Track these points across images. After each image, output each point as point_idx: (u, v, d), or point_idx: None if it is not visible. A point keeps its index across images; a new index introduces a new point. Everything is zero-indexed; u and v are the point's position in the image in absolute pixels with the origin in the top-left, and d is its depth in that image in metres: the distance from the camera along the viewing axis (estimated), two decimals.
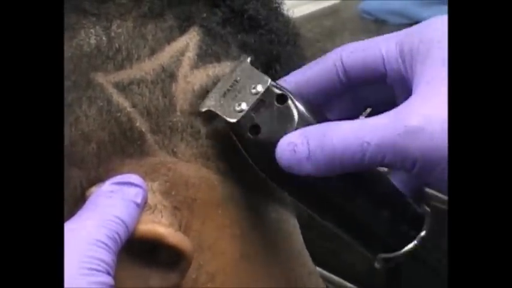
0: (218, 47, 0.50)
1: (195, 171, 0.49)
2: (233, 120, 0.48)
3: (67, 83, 0.48)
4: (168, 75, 0.49)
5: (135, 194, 0.46)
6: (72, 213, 0.47)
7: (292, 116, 0.47)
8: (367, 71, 0.48)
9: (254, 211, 0.51)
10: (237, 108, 0.48)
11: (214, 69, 0.49)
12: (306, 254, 0.56)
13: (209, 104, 0.49)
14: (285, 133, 0.47)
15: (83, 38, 0.48)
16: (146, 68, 0.48)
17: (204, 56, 0.50)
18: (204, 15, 0.50)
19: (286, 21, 0.55)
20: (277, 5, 0.55)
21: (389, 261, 0.49)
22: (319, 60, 0.50)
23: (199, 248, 0.49)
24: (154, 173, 0.48)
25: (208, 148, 0.49)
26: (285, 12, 0.56)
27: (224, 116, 0.48)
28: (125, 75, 0.48)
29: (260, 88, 0.48)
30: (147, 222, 0.47)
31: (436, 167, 0.43)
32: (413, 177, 0.49)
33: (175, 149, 0.48)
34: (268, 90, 0.48)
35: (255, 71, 0.49)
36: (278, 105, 0.48)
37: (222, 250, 0.50)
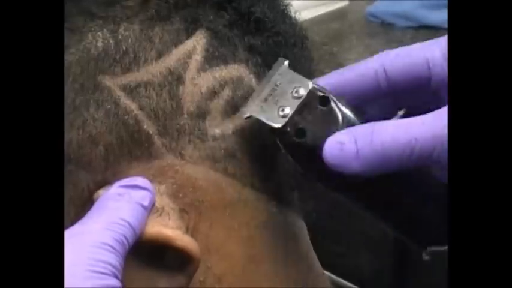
0: (225, 49, 0.50)
1: (203, 173, 0.49)
2: (278, 126, 0.48)
3: (75, 86, 0.48)
4: (176, 77, 0.49)
5: (142, 197, 0.46)
6: (79, 216, 0.47)
7: (336, 117, 0.47)
8: (410, 76, 0.48)
9: (261, 213, 0.51)
10: (281, 113, 0.48)
11: (221, 72, 0.50)
12: (313, 256, 0.56)
13: (251, 109, 0.48)
14: (330, 134, 0.47)
15: (90, 41, 0.48)
16: (153, 70, 0.48)
17: (211, 59, 0.50)
18: (211, 17, 0.50)
19: (293, 23, 0.55)
20: (284, 7, 0.55)
21: (437, 254, 0.49)
22: (359, 64, 0.50)
23: (207, 250, 0.49)
24: (161, 175, 0.48)
25: (215, 150, 0.49)
26: (292, 14, 0.56)
27: (268, 122, 0.48)
28: (132, 78, 0.48)
29: (302, 91, 0.48)
30: (155, 225, 0.47)
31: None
32: None
33: (182, 152, 0.49)
34: (310, 93, 0.48)
35: (295, 74, 0.49)
36: (321, 107, 0.48)
37: (229, 252, 0.50)
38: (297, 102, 0.48)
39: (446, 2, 1.57)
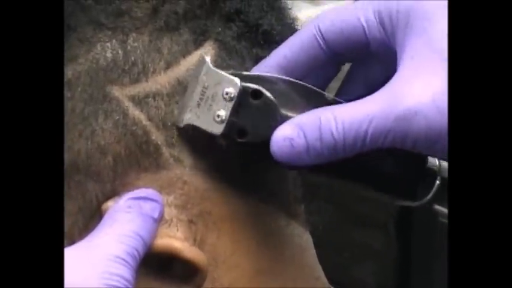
0: (233, 61, 0.50)
1: (211, 185, 0.49)
2: (218, 132, 0.47)
3: (84, 96, 0.48)
4: (184, 88, 0.49)
5: (152, 209, 0.46)
6: (88, 226, 0.47)
7: (274, 107, 0.47)
8: (348, 42, 0.48)
9: (268, 225, 0.51)
10: (217, 119, 0.47)
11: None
12: (319, 269, 0.56)
13: (187, 117, 0.48)
14: (272, 127, 0.46)
15: (99, 51, 0.48)
16: (162, 81, 0.48)
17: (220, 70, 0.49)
18: (219, 29, 0.50)
19: None
20: (291, 21, 0.55)
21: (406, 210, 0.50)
22: (297, 36, 0.49)
23: (214, 261, 0.49)
24: (170, 186, 0.48)
25: (223, 162, 0.49)
26: (299, 27, 0.56)
27: (208, 129, 0.48)
28: (140, 88, 0.48)
29: (232, 91, 0.47)
30: (163, 236, 0.47)
31: (435, 144, 0.43)
32: None
33: (190, 163, 0.48)
34: (240, 91, 0.47)
35: (220, 73, 0.48)
36: (255, 101, 0.47)
37: (236, 264, 0.50)
38: (230, 103, 0.47)
39: None
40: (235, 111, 0.47)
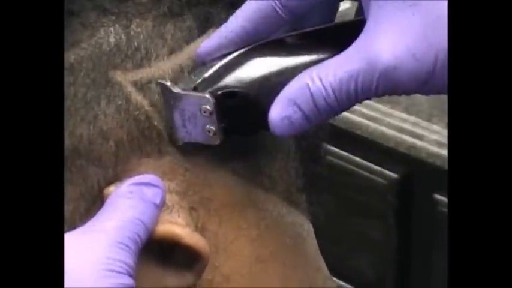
0: None
1: (212, 171, 0.49)
2: (217, 142, 0.47)
3: (86, 81, 0.48)
4: (187, 74, 0.48)
5: (154, 195, 0.46)
6: (89, 211, 0.47)
7: (255, 97, 0.47)
8: (310, 2, 0.47)
9: (270, 214, 0.51)
10: (209, 134, 0.47)
11: None
12: (320, 259, 0.56)
13: (181, 137, 0.48)
14: (263, 113, 0.46)
15: (102, 36, 0.48)
16: (165, 67, 0.48)
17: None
18: (223, 16, 0.50)
19: None
20: None
21: None
22: (249, 8, 0.48)
23: (215, 249, 0.49)
24: (171, 173, 0.48)
25: (224, 149, 0.49)
26: None
27: (205, 142, 0.48)
28: (143, 74, 0.48)
29: (208, 106, 0.47)
30: (164, 222, 0.47)
31: (424, 85, 0.43)
32: None
33: (192, 149, 0.48)
34: (216, 103, 0.47)
35: (187, 94, 0.47)
36: (233, 101, 0.47)
37: (237, 252, 0.50)
38: (213, 116, 0.47)
39: None
40: (220, 119, 0.47)
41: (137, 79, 0.48)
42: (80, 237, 0.43)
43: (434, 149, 1.37)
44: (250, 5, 0.48)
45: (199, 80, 0.47)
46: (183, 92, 0.47)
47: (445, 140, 1.35)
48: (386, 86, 0.43)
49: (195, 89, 0.47)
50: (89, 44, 0.48)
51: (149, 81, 0.48)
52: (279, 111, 0.45)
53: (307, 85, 0.45)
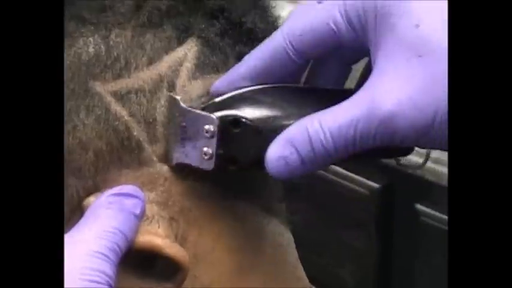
0: (216, 58, 0.50)
1: (191, 182, 0.49)
2: (209, 168, 0.47)
3: (65, 91, 0.47)
4: (166, 85, 0.48)
5: (133, 205, 0.46)
6: (68, 222, 0.47)
7: (256, 129, 0.47)
8: (320, 47, 0.47)
9: (250, 223, 0.51)
10: (205, 157, 0.47)
11: (212, 80, 0.49)
12: (300, 268, 0.56)
13: (176, 156, 0.48)
14: (260, 149, 0.46)
15: (82, 46, 0.48)
16: (144, 77, 0.48)
17: (203, 67, 0.49)
18: (203, 26, 0.50)
19: None
20: (274, 19, 0.55)
21: None
22: (267, 45, 0.48)
23: (195, 259, 0.49)
24: (151, 183, 0.48)
25: None
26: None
27: (198, 166, 0.47)
28: (123, 84, 0.48)
29: (211, 127, 0.47)
30: (144, 233, 0.47)
31: (421, 138, 0.43)
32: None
33: (172, 159, 0.48)
34: (220, 126, 0.47)
35: (194, 111, 0.47)
36: (236, 130, 0.47)
37: (217, 261, 0.50)
38: (213, 139, 0.47)
39: None
40: (220, 145, 0.47)
41: (117, 89, 0.48)
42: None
43: (416, 159, 1.38)
44: (265, 46, 0.48)
45: (209, 103, 0.48)
46: (190, 109, 0.47)
47: (424, 151, 1.35)
48: (385, 133, 0.43)
49: (203, 109, 0.47)
50: (68, 54, 0.48)
51: (129, 92, 0.48)
52: (276, 150, 0.45)
53: (307, 128, 0.45)
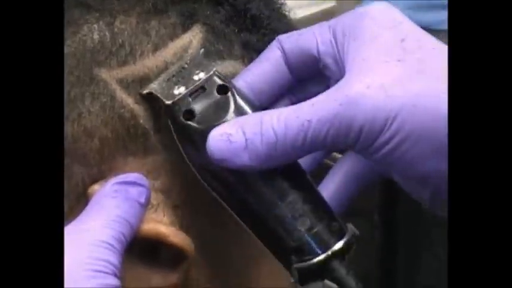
0: (221, 45, 0.50)
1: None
2: (168, 102, 0.47)
3: (70, 78, 0.47)
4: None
5: (139, 194, 0.46)
6: (73, 210, 0.47)
7: (228, 107, 0.46)
8: (304, 57, 0.47)
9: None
10: (176, 92, 0.47)
11: (217, 67, 0.49)
12: None
13: (152, 86, 0.48)
14: (218, 124, 0.45)
15: (86, 33, 0.48)
16: (149, 64, 0.48)
17: (208, 54, 0.49)
18: (208, 13, 0.50)
19: (289, 22, 0.55)
20: (279, 5, 0.55)
21: (303, 271, 0.45)
22: (262, 58, 0.49)
23: (201, 247, 0.48)
24: (156, 171, 0.48)
25: None
26: (287, 12, 0.56)
27: (162, 98, 0.47)
28: (128, 71, 0.48)
29: (202, 75, 0.47)
30: (149, 221, 0.46)
31: (381, 131, 0.42)
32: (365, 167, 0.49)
33: (177, 148, 0.48)
34: (210, 78, 0.47)
35: (205, 60, 0.48)
36: (218, 95, 0.47)
37: (223, 250, 0.50)
38: (195, 85, 0.47)
39: (439, 2, 1.56)
40: (195, 94, 0.47)
41: (122, 76, 0.48)
42: (64, 237, 0.43)
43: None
44: (260, 59, 0.49)
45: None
46: (201, 55, 0.48)
47: None
48: (342, 120, 0.42)
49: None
50: (72, 41, 0.48)
51: (134, 79, 0.48)
52: (222, 127, 0.44)
53: (261, 114, 0.44)
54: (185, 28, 0.49)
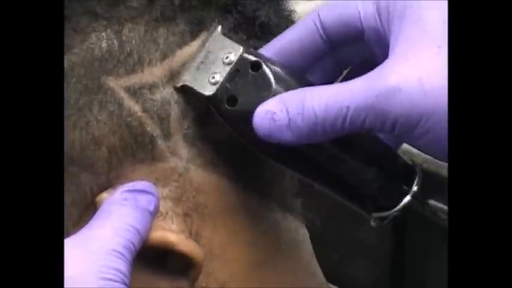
0: None
1: (206, 177, 0.48)
2: (209, 94, 0.47)
3: (78, 87, 0.47)
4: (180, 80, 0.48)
5: (148, 202, 0.46)
6: (82, 218, 0.47)
7: (269, 82, 0.46)
8: (345, 28, 0.47)
9: (265, 219, 0.51)
10: (212, 81, 0.47)
11: None
12: (315, 264, 0.56)
13: (184, 79, 0.48)
14: (263, 101, 0.46)
15: (94, 41, 0.48)
16: (158, 72, 0.48)
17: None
18: (216, 20, 0.50)
19: None
20: (288, 13, 0.55)
21: (385, 219, 0.48)
22: (298, 22, 0.49)
23: (210, 255, 0.48)
24: (165, 179, 0.48)
25: (218, 154, 0.49)
26: (296, 20, 0.55)
27: (200, 90, 0.47)
28: (136, 79, 0.48)
29: (233, 57, 0.47)
30: (158, 229, 0.46)
31: (416, 126, 0.43)
32: (396, 138, 0.49)
33: (186, 155, 0.48)
34: (241, 58, 0.47)
35: (227, 40, 0.48)
36: (253, 72, 0.47)
37: (232, 257, 0.49)
38: (228, 68, 0.47)
39: None
40: (230, 77, 0.47)
41: (130, 85, 0.48)
42: (73, 245, 0.43)
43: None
44: (295, 25, 0.49)
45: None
46: (223, 36, 0.48)
47: None
48: (377, 111, 0.43)
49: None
50: (80, 49, 0.48)
51: (142, 87, 0.48)
52: (266, 105, 0.45)
53: (305, 93, 0.45)
54: (193, 36, 0.49)
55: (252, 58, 0.47)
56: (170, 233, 0.47)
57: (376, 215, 0.48)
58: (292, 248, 0.53)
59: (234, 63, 0.47)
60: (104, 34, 0.48)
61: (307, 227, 0.55)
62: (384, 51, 0.46)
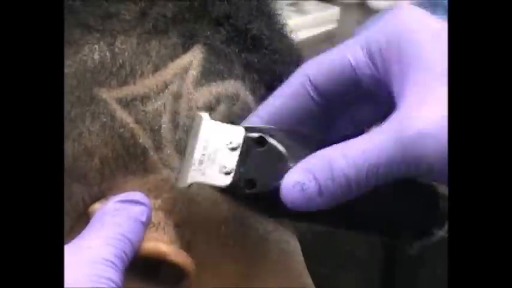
0: (222, 65, 0.50)
1: (198, 188, 0.49)
2: (226, 184, 0.46)
3: (71, 98, 0.47)
4: (172, 92, 0.48)
5: (140, 212, 0.46)
6: (74, 229, 0.47)
7: (279, 153, 0.46)
8: (338, 83, 0.47)
9: (256, 231, 0.51)
10: (224, 170, 0.46)
11: (218, 88, 0.49)
12: (307, 275, 0.56)
13: (190, 176, 0.47)
14: (281, 174, 0.45)
15: (87, 53, 0.48)
16: (150, 84, 0.48)
17: (208, 74, 0.49)
18: (208, 33, 0.50)
19: (290, 42, 0.55)
20: (280, 26, 0.55)
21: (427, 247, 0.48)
22: (284, 86, 0.48)
23: (201, 266, 0.48)
24: (157, 190, 0.48)
25: None
26: (288, 33, 0.56)
27: (215, 183, 0.47)
28: (128, 91, 0.48)
29: (236, 140, 0.46)
30: (150, 239, 0.46)
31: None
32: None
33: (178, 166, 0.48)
34: (245, 139, 0.46)
35: (221, 124, 0.47)
36: (260, 149, 0.46)
37: (223, 268, 0.50)
38: (236, 153, 0.46)
39: (440, 2, 1.56)
40: (241, 161, 0.46)
41: (122, 96, 0.48)
42: (66, 255, 0.43)
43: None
44: (284, 85, 0.48)
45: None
46: (217, 122, 0.47)
47: None
48: (410, 160, 0.42)
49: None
50: (73, 61, 0.48)
51: (134, 99, 0.48)
52: (292, 176, 0.45)
53: (328, 155, 0.44)
54: (185, 48, 0.49)
55: (255, 135, 0.47)
56: (162, 244, 0.47)
57: (418, 244, 0.48)
58: (282, 260, 0.53)
59: (239, 146, 0.46)
60: (96, 46, 0.48)
61: (298, 238, 0.56)
62: (384, 92, 0.46)
